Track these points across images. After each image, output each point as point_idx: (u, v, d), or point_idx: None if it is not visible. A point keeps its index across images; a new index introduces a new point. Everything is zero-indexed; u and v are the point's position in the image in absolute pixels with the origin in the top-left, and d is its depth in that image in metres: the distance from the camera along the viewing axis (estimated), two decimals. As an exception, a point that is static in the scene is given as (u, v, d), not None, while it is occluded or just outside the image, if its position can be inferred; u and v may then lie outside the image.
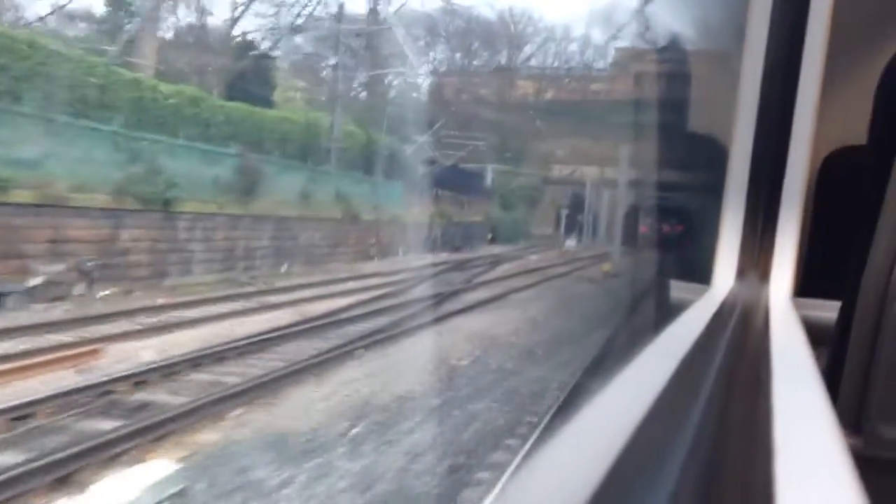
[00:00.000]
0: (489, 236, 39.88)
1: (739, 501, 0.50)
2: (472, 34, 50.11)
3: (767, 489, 0.46)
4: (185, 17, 28.82)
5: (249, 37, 29.58)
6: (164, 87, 18.58)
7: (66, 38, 20.96)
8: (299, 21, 30.52)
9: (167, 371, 8.55)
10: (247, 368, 9.12)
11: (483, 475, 6.02)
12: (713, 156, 2.01)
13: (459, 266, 25.91)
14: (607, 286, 23.01)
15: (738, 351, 0.91)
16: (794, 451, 0.53)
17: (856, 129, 1.56)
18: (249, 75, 25.18)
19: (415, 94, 39.55)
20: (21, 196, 12.51)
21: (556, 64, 51.15)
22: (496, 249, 35.40)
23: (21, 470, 5.29)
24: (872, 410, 1.18)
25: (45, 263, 12.77)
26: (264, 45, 29.43)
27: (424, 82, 43.72)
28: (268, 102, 24.89)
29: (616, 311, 16.17)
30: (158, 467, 5.75)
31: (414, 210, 29.80)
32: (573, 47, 51.44)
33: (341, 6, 27.35)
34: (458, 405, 8.08)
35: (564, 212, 42.25)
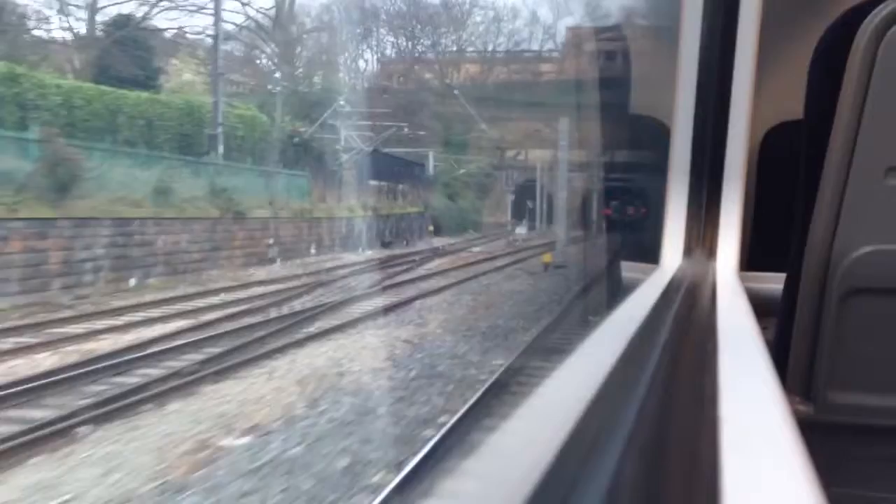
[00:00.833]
0: (430, 228, 36.44)
1: (687, 470, 0.51)
2: (411, 13, 46.48)
3: (713, 458, 0.48)
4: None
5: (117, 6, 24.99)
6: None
7: None
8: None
9: None
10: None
11: None
12: (657, 136, 1.98)
13: (380, 265, 22.41)
14: (547, 280, 19.64)
15: (685, 326, 0.92)
16: (740, 420, 0.54)
17: (794, 105, 1.49)
18: (113, 51, 21.10)
19: (341, 76, 35.76)
20: None
21: (501, 44, 47.58)
22: (437, 242, 32.17)
23: None
24: (821, 377, 1.24)
25: None
26: (140, 13, 25.03)
27: (352, 64, 39.87)
28: (139, 83, 20.90)
29: (549, 314, 12.84)
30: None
31: (329, 203, 26.01)
32: (520, 25, 47.88)
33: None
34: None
35: (511, 198, 38.77)
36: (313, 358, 9.37)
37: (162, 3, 25.80)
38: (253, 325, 11.44)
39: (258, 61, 32.94)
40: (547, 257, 21.61)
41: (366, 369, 8.75)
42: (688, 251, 1.62)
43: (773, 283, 1.48)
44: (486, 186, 43.30)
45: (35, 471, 5.73)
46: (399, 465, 5.44)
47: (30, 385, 7.43)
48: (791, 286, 1.33)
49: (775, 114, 1.79)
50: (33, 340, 9.90)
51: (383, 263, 22.52)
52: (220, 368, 8.53)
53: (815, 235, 1.23)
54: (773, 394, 0.65)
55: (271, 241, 20.91)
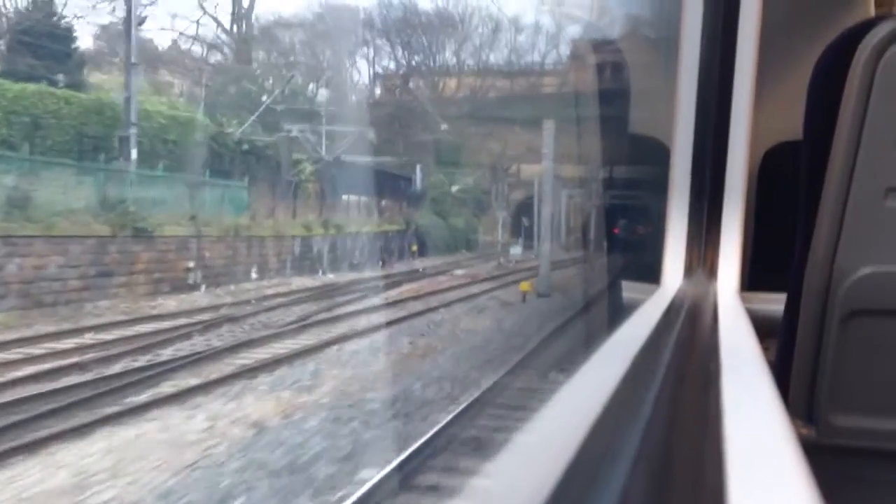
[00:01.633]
0: (413, 248, 32.77)
1: (691, 494, 0.51)
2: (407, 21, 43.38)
3: (718, 480, 0.47)
4: None
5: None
6: None
7: None
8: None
9: None
10: None
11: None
12: (657, 156, 2.00)
13: (329, 292, 18.84)
14: (519, 314, 15.89)
15: (687, 347, 0.92)
16: (744, 442, 0.54)
17: (794, 124, 1.48)
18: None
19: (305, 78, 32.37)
20: None
21: (499, 57, 44.21)
22: (420, 263, 28.63)
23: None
24: (823, 399, 1.21)
25: None
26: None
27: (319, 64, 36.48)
28: (22, 75, 17.56)
29: (500, 369, 9.21)
30: None
31: (280, 220, 22.47)
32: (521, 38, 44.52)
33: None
34: None
35: (503, 215, 35.08)
36: (50, 468, 5.76)
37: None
38: (64, 388, 8.08)
39: (213, 59, 29.82)
40: (525, 286, 17.88)
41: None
42: (689, 271, 1.64)
43: (774, 303, 1.47)
44: (482, 203, 39.99)
45: None
46: None
47: None
48: (792, 307, 1.33)
49: (775, 134, 1.83)
50: None
51: (335, 290, 19.02)
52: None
53: (815, 256, 1.23)
54: (777, 416, 0.65)
55: (191, 263, 17.37)
